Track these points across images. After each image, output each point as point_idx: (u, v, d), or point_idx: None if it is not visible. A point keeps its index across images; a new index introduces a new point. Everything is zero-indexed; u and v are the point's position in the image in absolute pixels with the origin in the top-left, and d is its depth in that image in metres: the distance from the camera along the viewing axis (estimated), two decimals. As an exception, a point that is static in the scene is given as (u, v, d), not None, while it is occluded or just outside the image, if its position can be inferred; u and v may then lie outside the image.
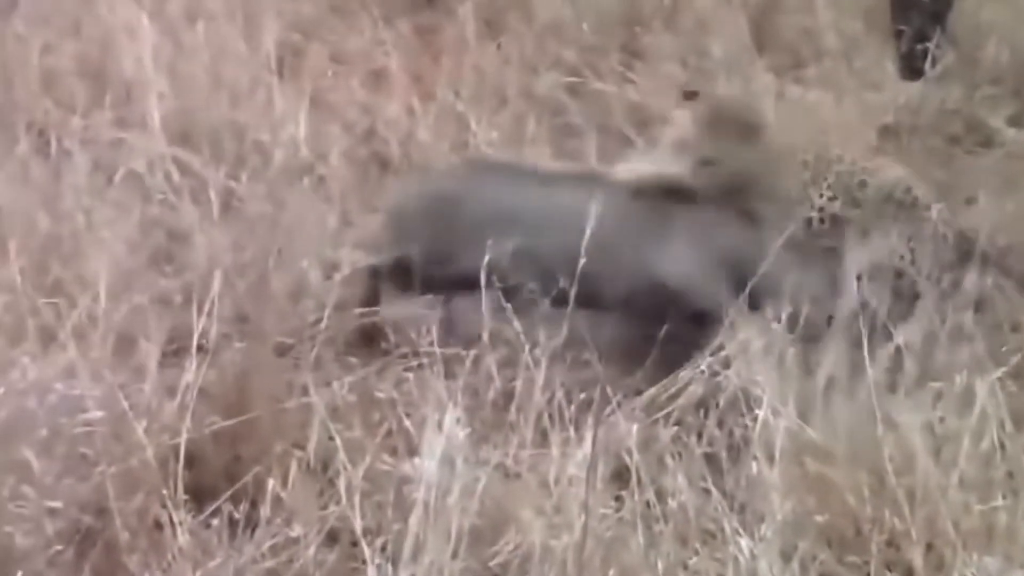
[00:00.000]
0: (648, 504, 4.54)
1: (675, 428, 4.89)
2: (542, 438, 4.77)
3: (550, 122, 6.77)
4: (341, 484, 4.51)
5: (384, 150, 6.61)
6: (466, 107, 6.75)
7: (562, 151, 6.60)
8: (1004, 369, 4.86)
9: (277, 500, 4.48)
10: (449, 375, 4.93)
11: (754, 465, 4.58)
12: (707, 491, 4.60)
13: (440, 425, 4.48)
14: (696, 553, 4.45)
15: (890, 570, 4.35)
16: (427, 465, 4.43)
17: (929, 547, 4.33)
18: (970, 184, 6.37)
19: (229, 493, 4.52)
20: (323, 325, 5.31)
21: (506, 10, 7.39)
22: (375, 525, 4.43)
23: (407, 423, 4.85)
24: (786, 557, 4.28)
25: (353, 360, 5.30)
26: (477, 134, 6.57)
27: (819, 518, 4.42)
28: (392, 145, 6.58)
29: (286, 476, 4.55)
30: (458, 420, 4.48)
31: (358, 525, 4.38)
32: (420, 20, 7.38)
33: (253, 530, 4.41)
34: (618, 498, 4.59)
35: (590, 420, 4.58)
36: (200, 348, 4.84)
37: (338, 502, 4.48)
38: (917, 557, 4.31)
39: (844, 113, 6.78)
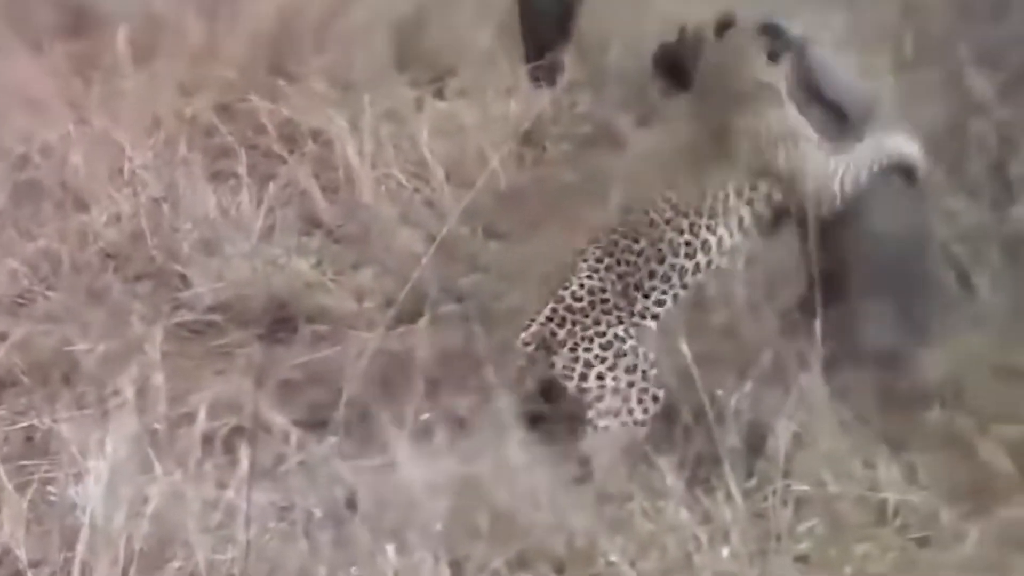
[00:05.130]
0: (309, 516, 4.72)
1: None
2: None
3: (203, 143, 6.91)
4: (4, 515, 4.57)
5: (37, 176, 6.66)
6: (121, 132, 6.83)
7: (213, 172, 6.78)
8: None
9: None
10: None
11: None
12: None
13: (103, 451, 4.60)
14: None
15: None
16: (92, 491, 4.57)
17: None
18: (601, 186, 6.71)
19: None
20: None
21: (159, 34, 7.46)
22: (41, 555, 4.51)
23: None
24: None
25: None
26: (132, 159, 6.67)
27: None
28: (44, 171, 6.64)
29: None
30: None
31: (23, 556, 4.47)
32: (73, 47, 7.41)
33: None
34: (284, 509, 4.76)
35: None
36: None
37: (1, 535, 4.53)
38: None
39: (487, 122, 7.06)
